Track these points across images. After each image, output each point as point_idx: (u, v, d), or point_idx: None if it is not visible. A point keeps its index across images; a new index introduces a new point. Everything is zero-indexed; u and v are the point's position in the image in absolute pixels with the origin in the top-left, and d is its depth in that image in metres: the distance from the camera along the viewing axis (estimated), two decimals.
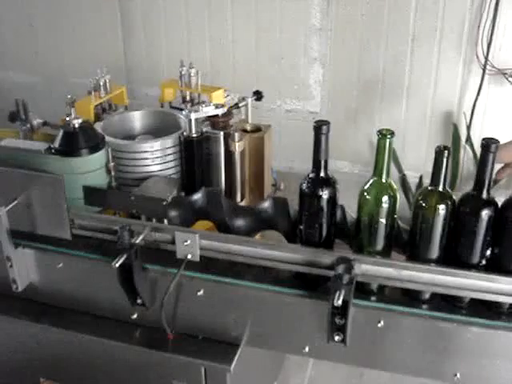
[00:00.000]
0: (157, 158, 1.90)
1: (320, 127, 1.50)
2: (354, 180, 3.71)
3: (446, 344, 1.49)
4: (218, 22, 3.66)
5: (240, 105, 2.16)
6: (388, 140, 1.47)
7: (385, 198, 1.50)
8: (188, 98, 2.26)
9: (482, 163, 1.40)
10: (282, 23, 3.53)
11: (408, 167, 3.50)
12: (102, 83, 2.14)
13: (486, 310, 1.49)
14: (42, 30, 4.18)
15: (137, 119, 2.18)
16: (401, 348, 1.55)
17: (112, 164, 1.84)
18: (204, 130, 1.91)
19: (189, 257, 1.57)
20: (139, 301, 1.63)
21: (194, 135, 1.87)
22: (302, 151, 3.60)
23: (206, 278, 1.60)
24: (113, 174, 1.85)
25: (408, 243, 1.56)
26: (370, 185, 1.53)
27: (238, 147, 1.86)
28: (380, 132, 1.48)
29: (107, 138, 1.88)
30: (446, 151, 1.42)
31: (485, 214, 1.41)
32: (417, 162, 3.55)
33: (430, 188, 1.47)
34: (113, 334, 1.74)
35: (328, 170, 1.54)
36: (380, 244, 1.53)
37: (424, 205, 1.48)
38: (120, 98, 2.25)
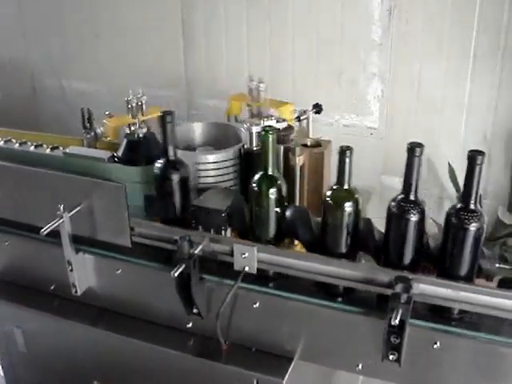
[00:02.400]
0: (217, 170, 1.92)
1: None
2: None
3: (504, 369, 1.46)
4: (278, 35, 3.68)
5: (301, 118, 2.17)
6: (270, 136, 1.60)
7: (271, 191, 1.62)
8: (256, 111, 2.28)
9: (408, 167, 1.46)
10: (342, 38, 3.53)
11: None
12: (134, 104, 2.10)
13: None
14: (106, 39, 4.26)
15: (198, 130, 2.21)
16: (456, 371, 1.52)
17: None
18: None
19: (246, 269, 1.58)
20: (195, 310, 1.65)
21: (255, 148, 1.89)
22: (359, 166, 3.62)
23: (263, 290, 1.61)
24: None
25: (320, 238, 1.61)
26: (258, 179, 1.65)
27: (298, 161, 1.87)
28: (263, 129, 1.63)
29: None
30: (349, 151, 1.50)
31: (412, 216, 1.46)
32: None
33: (335, 187, 1.55)
34: (167, 341, 1.76)
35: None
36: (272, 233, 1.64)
37: (331, 202, 1.56)
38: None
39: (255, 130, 1.87)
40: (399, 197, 1.50)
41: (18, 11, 4.50)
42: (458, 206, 1.45)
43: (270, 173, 1.65)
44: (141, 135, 1.83)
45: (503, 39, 3.16)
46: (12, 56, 4.69)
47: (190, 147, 2.14)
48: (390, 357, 1.45)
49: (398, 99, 3.55)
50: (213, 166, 1.93)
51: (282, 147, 1.90)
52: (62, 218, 1.65)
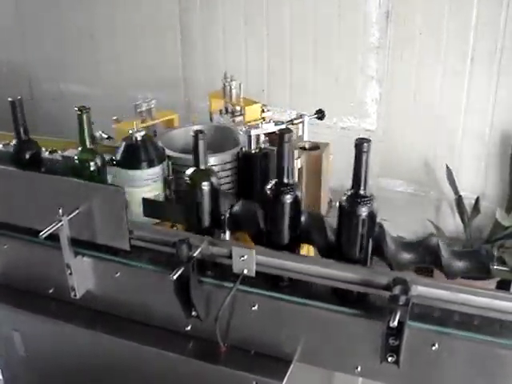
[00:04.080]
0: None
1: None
2: (406, 199, 3.73)
3: (503, 371, 1.46)
4: (276, 38, 3.70)
5: (295, 122, 2.17)
6: (85, 115, 1.78)
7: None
8: (229, 109, 2.33)
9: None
10: (339, 40, 3.55)
11: (464, 188, 3.47)
12: (143, 109, 2.15)
13: None
14: (104, 43, 4.27)
15: None
16: (454, 372, 1.52)
17: (171, 177, 1.88)
18: (262, 146, 1.93)
19: (245, 272, 1.58)
20: (194, 313, 1.65)
21: (253, 151, 1.89)
22: None
23: (261, 293, 1.61)
24: (172, 187, 1.88)
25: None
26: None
27: (296, 164, 1.87)
28: (78, 108, 1.79)
29: (167, 152, 1.91)
30: (201, 134, 1.59)
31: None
32: (473, 184, 3.51)
33: (194, 168, 1.64)
34: (166, 344, 1.75)
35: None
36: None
37: (189, 182, 1.65)
38: (170, 123, 2.29)
39: (253, 132, 1.88)
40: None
41: (15, 15, 4.51)
42: (349, 192, 1.51)
43: (88, 146, 1.82)
44: (139, 138, 1.83)
45: (500, 42, 3.17)
46: (10, 59, 4.71)
47: (188, 150, 2.14)
48: (389, 359, 1.45)
49: (395, 102, 3.56)
50: None
51: None
52: (60, 221, 1.65)
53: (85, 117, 1.81)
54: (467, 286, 1.47)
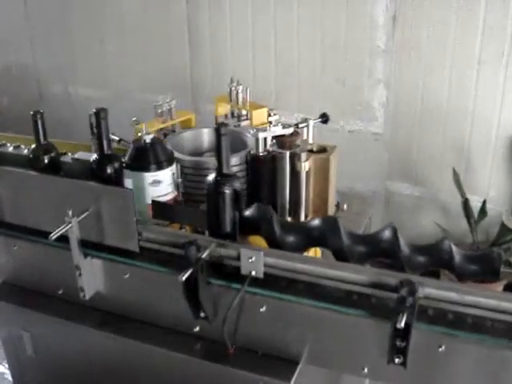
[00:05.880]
0: None
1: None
2: (413, 202, 3.73)
3: (510, 373, 1.47)
4: (283, 41, 3.71)
5: (300, 125, 2.18)
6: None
7: None
8: (235, 113, 2.34)
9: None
10: (347, 44, 3.55)
11: (471, 191, 3.47)
12: (164, 109, 2.18)
13: None
14: (112, 46, 4.29)
15: (204, 136, 2.23)
16: (461, 374, 1.53)
17: (180, 179, 1.89)
18: (270, 148, 1.94)
19: (253, 273, 1.59)
20: (202, 314, 1.66)
21: (261, 154, 1.91)
22: (363, 172, 3.64)
23: (269, 294, 1.62)
24: (181, 189, 1.90)
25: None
26: None
27: (303, 167, 1.88)
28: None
29: (176, 154, 1.93)
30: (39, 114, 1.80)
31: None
32: (480, 187, 3.51)
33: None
34: (174, 345, 1.76)
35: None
36: None
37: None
38: (188, 123, 2.31)
39: (262, 135, 1.89)
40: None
41: (24, 18, 4.54)
42: (214, 173, 1.67)
43: None
44: (148, 141, 1.85)
45: (507, 46, 3.17)
46: (19, 62, 4.73)
47: (197, 153, 2.16)
48: (396, 360, 1.46)
49: (402, 105, 3.57)
50: None
51: (287, 153, 1.91)
52: (70, 222, 1.67)
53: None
54: (474, 288, 1.47)
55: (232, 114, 2.37)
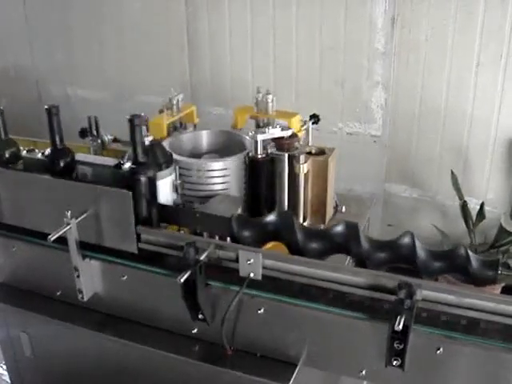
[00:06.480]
0: (222, 177, 1.94)
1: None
2: (411, 204, 3.73)
3: (508, 375, 1.47)
4: (282, 43, 3.71)
5: (301, 128, 2.19)
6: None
7: None
8: (262, 123, 2.27)
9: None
10: (345, 46, 3.55)
11: (469, 194, 3.47)
12: (174, 102, 2.18)
13: None
14: (111, 47, 4.29)
15: (203, 138, 2.24)
16: (459, 377, 1.53)
17: (179, 181, 1.89)
18: (269, 151, 1.94)
19: (251, 275, 1.59)
20: (200, 316, 1.66)
21: (260, 156, 1.91)
22: (362, 174, 3.63)
23: (267, 296, 1.62)
24: (179, 191, 1.90)
25: None
26: None
27: (302, 169, 1.89)
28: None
29: (175, 156, 1.93)
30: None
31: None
32: (478, 189, 3.51)
33: None
34: (173, 347, 1.77)
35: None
36: None
37: None
38: (190, 116, 2.31)
39: (260, 138, 1.89)
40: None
41: (23, 19, 4.54)
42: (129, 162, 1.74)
43: None
44: (147, 143, 1.85)
45: (506, 48, 3.17)
46: (17, 63, 4.72)
47: (196, 155, 2.16)
48: (394, 362, 1.47)
49: (401, 107, 3.57)
50: (218, 174, 1.95)
51: (286, 155, 1.92)
52: (69, 224, 1.67)
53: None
54: (472, 291, 1.48)
55: (258, 124, 2.29)
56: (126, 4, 4.13)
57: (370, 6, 3.41)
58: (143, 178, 1.70)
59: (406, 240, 1.61)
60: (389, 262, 1.63)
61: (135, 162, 1.71)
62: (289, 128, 1.95)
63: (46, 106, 1.81)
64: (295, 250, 1.66)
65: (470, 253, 1.56)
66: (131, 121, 1.69)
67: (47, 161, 1.87)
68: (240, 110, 2.34)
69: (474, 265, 1.54)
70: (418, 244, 1.60)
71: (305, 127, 2.20)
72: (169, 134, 2.20)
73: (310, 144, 2.19)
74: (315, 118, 2.28)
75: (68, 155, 1.87)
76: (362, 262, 1.63)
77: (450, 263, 1.59)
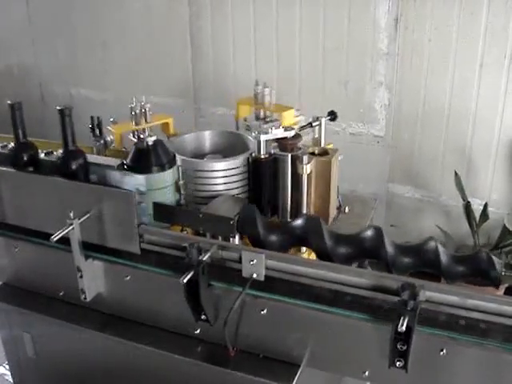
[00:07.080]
0: (226, 178, 1.94)
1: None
2: (415, 205, 3.72)
3: (511, 376, 1.47)
4: (285, 43, 3.71)
5: (314, 124, 2.19)
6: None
7: None
8: (262, 115, 2.32)
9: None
10: (349, 46, 3.55)
11: (473, 194, 3.47)
12: (138, 112, 2.08)
13: None
14: (114, 48, 4.29)
15: (206, 139, 2.24)
16: (462, 378, 1.52)
17: (182, 182, 1.89)
18: (272, 151, 1.94)
19: (254, 276, 1.59)
20: (203, 316, 1.66)
21: (263, 156, 1.91)
22: (365, 174, 3.63)
23: (270, 297, 1.62)
24: (182, 191, 1.89)
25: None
26: None
27: (305, 170, 1.88)
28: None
29: (178, 157, 1.93)
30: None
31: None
32: (482, 190, 3.51)
33: None
34: (175, 347, 1.76)
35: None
36: None
37: None
38: (165, 127, 2.27)
39: (263, 138, 1.89)
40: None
41: (26, 19, 4.54)
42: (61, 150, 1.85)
43: None
44: (150, 143, 1.85)
45: (510, 48, 3.17)
46: (21, 63, 4.73)
47: (199, 155, 2.16)
48: (397, 363, 1.46)
49: (404, 108, 3.56)
50: (221, 174, 1.95)
51: (289, 155, 1.92)
52: (71, 224, 1.67)
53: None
54: (475, 292, 1.47)
55: (257, 116, 2.35)
56: (129, 4, 4.14)
57: (374, 7, 3.41)
58: (75, 166, 1.81)
59: (430, 245, 1.62)
60: (412, 267, 1.65)
61: (66, 150, 1.83)
62: (292, 128, 1.95)
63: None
64: (324, 255, 1.67)
65: (493, 257, 1.56)
66: (61, 111, 1.78)
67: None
68: (242, 101, 2.39)
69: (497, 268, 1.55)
70: (440, 249, 1.61)
71: (317, 123, 2.21)
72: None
73: (323, 141, 2.20)
74: (332, 115, 2.29)
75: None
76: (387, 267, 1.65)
77: (472, 268, 1.60)
